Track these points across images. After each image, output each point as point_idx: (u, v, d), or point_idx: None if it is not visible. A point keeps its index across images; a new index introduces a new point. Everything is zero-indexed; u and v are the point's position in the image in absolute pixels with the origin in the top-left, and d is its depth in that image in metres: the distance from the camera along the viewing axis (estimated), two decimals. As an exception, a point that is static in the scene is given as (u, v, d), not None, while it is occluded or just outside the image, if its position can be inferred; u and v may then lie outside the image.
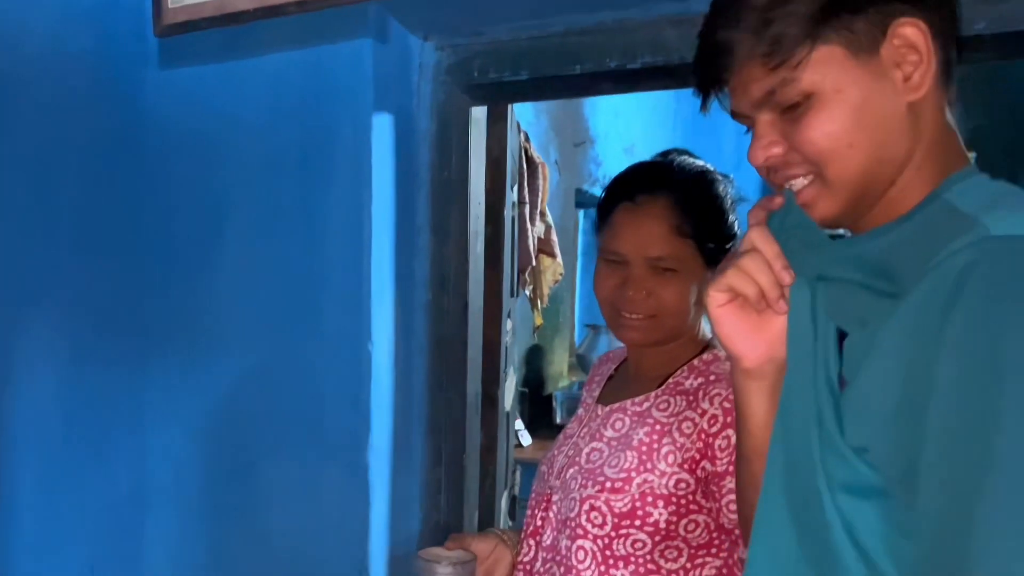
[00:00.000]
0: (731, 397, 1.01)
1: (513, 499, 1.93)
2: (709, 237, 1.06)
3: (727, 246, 1.07)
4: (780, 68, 0.70)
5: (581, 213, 3.84)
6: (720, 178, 1.13)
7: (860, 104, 0.71)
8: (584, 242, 3.83)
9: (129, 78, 1.40)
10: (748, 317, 0.77)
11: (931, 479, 0.64)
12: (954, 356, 0.63)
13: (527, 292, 2.27)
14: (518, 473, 2.18)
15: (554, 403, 3.07)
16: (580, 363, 2.92)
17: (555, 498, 1.07)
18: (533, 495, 1.15)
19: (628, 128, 4.13)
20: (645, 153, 4.29)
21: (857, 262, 0.74)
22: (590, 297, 3.95)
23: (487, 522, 1.52)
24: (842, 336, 0.75)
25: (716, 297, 0.76)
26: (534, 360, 3.16)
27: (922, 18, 0.70)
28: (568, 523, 1.03)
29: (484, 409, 1.50)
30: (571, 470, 1.06)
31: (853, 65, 0.70)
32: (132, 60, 1.40)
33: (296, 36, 1.28)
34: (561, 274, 2.32)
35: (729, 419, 0.99)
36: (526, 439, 2.76)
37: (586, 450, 1.06)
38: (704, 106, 0.78)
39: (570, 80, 1.33)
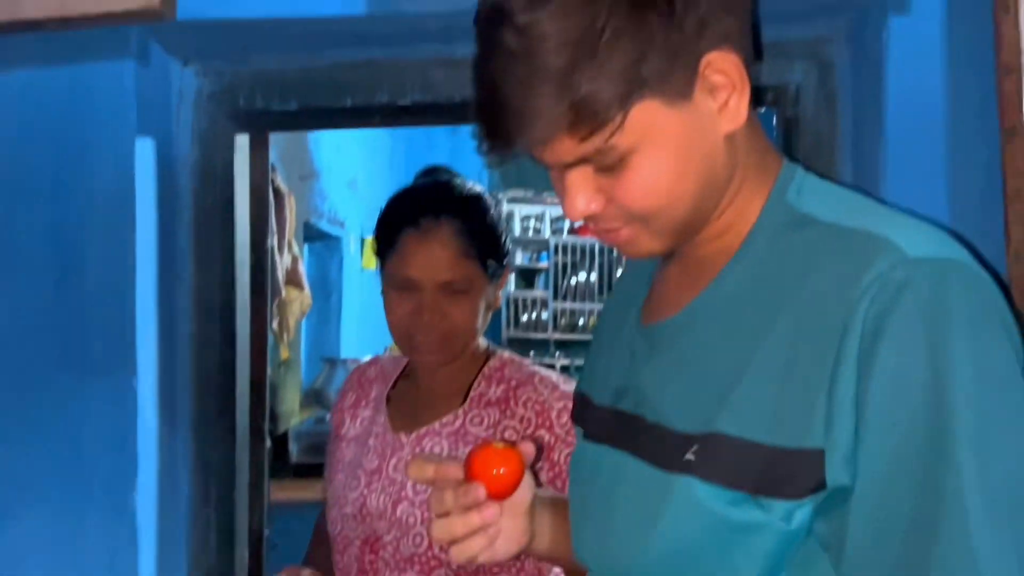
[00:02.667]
0: (539, 399, 1.10)
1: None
2: (491, 255, 1.14)
3: (504, 262, 1.16)
4: (592, 137, 0.64)
5: (307, 247, 3.82)
6: (491, 198, 1.21)
7: (681, 152, 0.67)
8: (312, 275, 3.80)
9: None
10: (489, 536, 0.79)
11: (872, 519, 0.61)
12: (889, 385, 0.60)
13: (273, 325, 2.23)
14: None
15: (289, 441, 3.01)
16: (317, 398, 2.89)
17: (387, 538, 1.07)
18: (341, 539, 1.13)
19: (350, 163, 4.18)
20: (367, 187, 4.46)
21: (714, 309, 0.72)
22: (319, 330, 3.92)
23: (256, 561, 1.48)
24: None
25: (465, 551, 0.78)
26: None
27: (730, 46, 0.67)
28: (416, 559, 1.04)
29: (252, 444, 1.47)
30: (401, 506, 1.08)
31: (670, 114, 0.66)
32: None
33: (51, 52, 1.20)
34: (310, 306, 2.31)
35: (540, 419, 1.07)
36: (265, 479, 2.68)
37: (410, 483, 1.08)
38: (491, 159, 0.70)
39: (340, 112, 1.37)
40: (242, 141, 1.42)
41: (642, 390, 0.76)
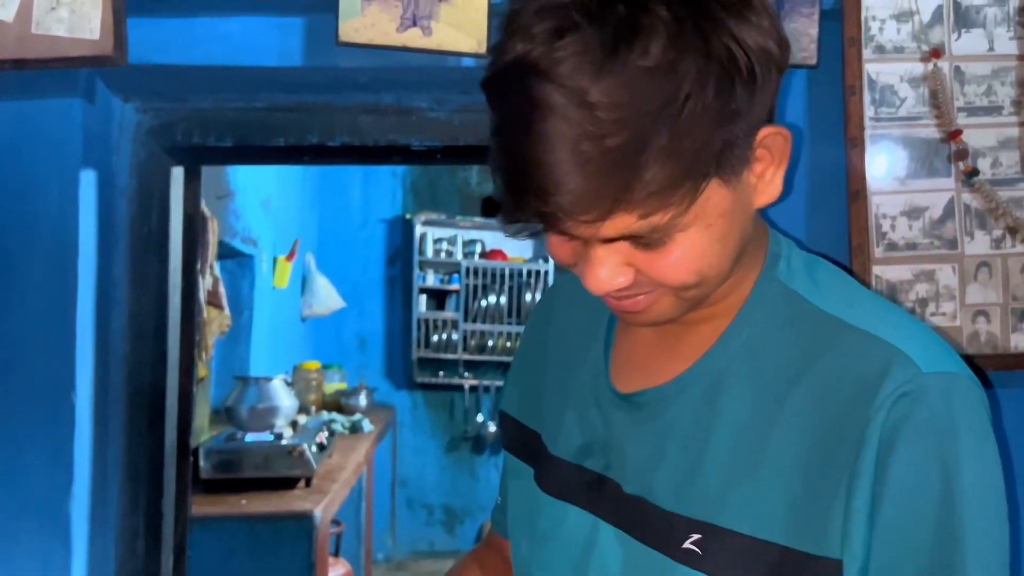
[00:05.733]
0: None
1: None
2: None
3: None
4: (651, 216, 0.59)
5: (219, 265, 3.85)
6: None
7: (726, 229, 0.64)
8: (228, 294, 3.83)
9: None
10: None
11: None
12: (904, 498, 0.62)
13: (192, 343, 2.29)
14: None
15: (199, 458, 3.03)
16: (228, 415, 2.94)
17: None
18: None
19: (264, 183, 4.23)
20: (280, 207, 4.53)
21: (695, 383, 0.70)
22: (228, 348, 3.95)
23: (179, 570, 1.56)
24: None
25: None
26: (177, 414, 3.10)
27: (771, 117, 0.64)
28: None
29: (179, 458, 1.55)
30: None
31: (724, 191, 0.62)
32: None
33: (3, 89, 1.28)
34: (228, 326, 2.38)
35: None
36: (174, 494, 2.71)
37: None
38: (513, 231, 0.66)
39: (273, 150, 1.48)
40: (177, 173, 1.51)
41: (621, 458, 0.73)
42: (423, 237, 5.24)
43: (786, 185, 0.68)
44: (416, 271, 5.24)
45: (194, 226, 1.59)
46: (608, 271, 0.63)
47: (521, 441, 0.87)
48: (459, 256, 5.30)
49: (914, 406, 0.62)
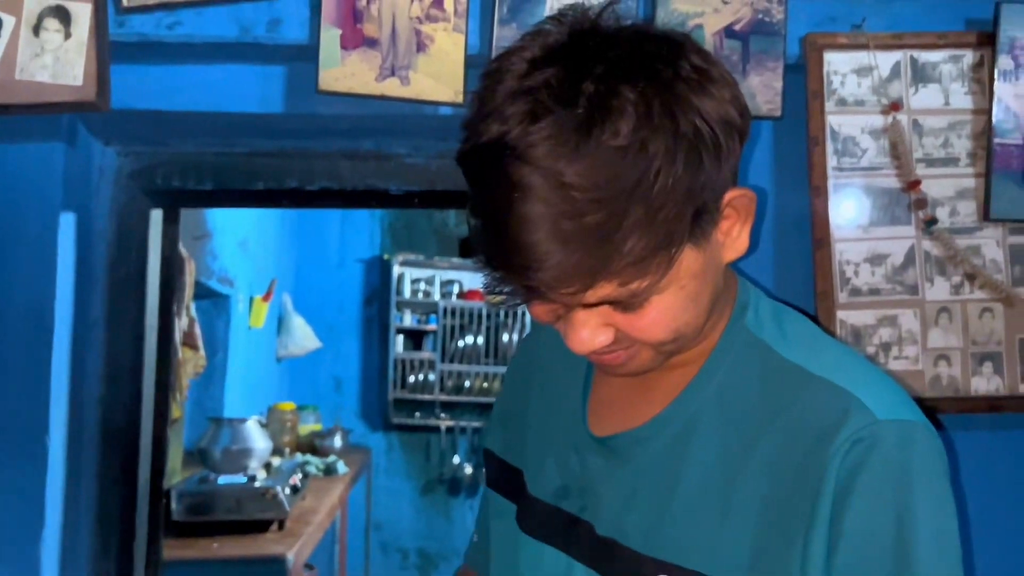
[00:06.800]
0: None
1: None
2: None
3: None
4: (631, 283, 0.62)
5: (195, 305, 3.84)
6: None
7: (699, 287, 0.67)
8: (204, 334, 3.81)
9: None
10: None
11: None
12: (858, 542, 0.63)
13: (167, 385, 2.28)
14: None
15: (172, 499, 3.00)
16: (202, 457, 2.92)
17: None
18: None
19: (241, 223, 4.24)
20: (257, 247, 4.52)
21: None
22: (202, 389, 3.92)
23: (149, 612, 1.55)
24: None
25: None
26: (149, 455, 3.07)
27: (735, 179, 0.67)
28: None
29: (151, 500, 1.54)
30: None
31: (696, 255, 0.65)
32: None
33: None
34: (203, 366, 2.38)
35: None
36: (145, 537, 2.68)
37: None
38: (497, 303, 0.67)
39: (253, 194, 1.50)
40: (156, 216, 1.53)
41: (596, 500, 0.76)
42: (401, 277, 5.26)
43: (752, 240, 0.71)
44: (393, 311, 5.25)
45: (171, 268, 1.60)
46: (589, 332, 0.66)
47: (504, 479, 0.89)
48: (436, 296, 5.32)
49: (869, 453, 0.64)
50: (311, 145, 1.47)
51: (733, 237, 0.69)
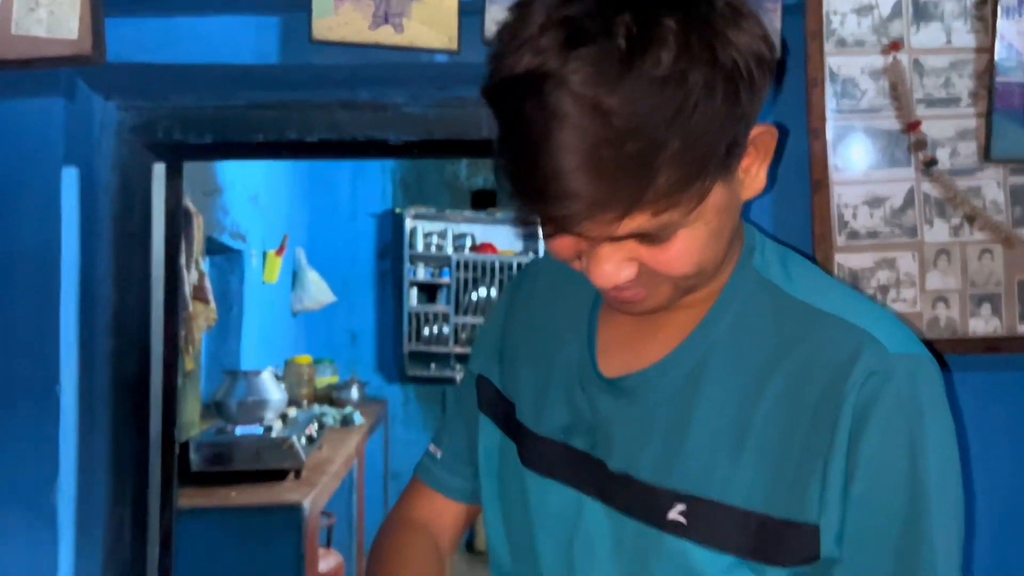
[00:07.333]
0: None
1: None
2: None
3: None
4: (662, 215, 0.62)
5: (208, 260, 3.87)
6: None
7: (722, 223, 0.68)
8: (214, 288, 3.85)
9: None
10: None
11: None
12: (876, 469, 0.67)
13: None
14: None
15: (190, 451, 3.07)
16: (218, 409, 2.97)
17: None
18: None
19: (252, 178, 4.25)
20: (270, 202, 4.54)
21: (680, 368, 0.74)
22: (219, 343, 3.98)
23: (165, 558, 1.59)
24: None
25: None
26: (168, 408, 3.13)
27: (767, 122, 0.69)
28: None
29: (163, 449, 1.58)
30: None
31: (722, 190, 0.66)
32: None
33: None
34: (215, 320, 2.41)
35: None
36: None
37: None
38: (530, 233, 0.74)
39: (252, 147, 1.51)
40: (159, 170, 1.54)
41: (607, 438, 0.77)
42: (413, 231, 5.27)
43: (769, 179, 0.72)
44: (407, 265, 5.27)
45: (176, 221, 1.62)
46: (614, 266, 0.67)
47: (500, 408, 0.89)
48: (449, 250, 5.33)
49: (883, 385, 0.67)
50: (309, 96, 1.47)
51: (752, 175, 0.70)
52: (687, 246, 0.66)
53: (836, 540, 0.69)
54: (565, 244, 0.69)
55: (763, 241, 0.79)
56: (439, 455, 0.99)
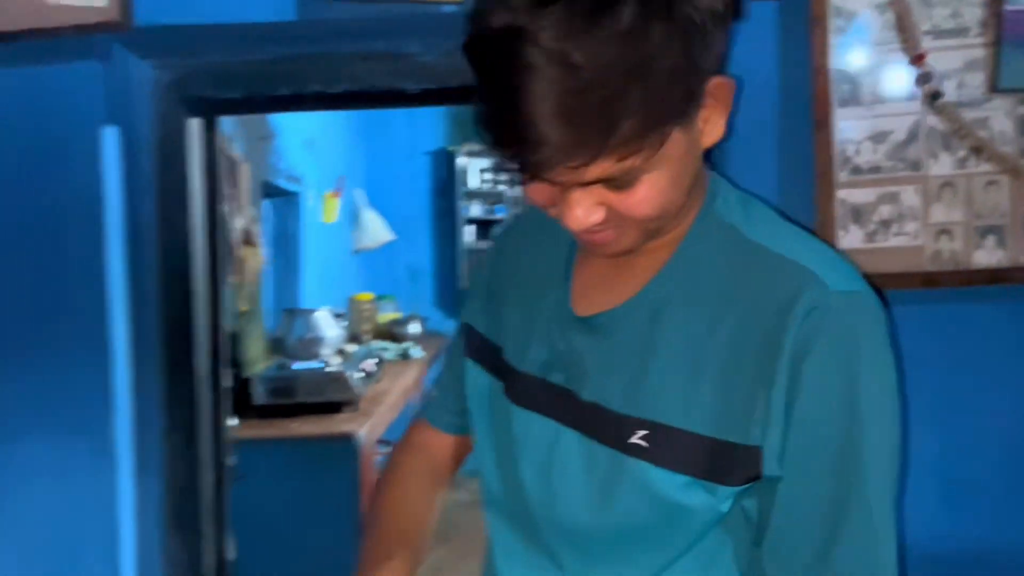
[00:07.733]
0: None
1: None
2: None
3: None
4: (625, 161, 0.68)
5: (265, 203, 4.01)
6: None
7: (683, 168, 0.74)
8: (272, 231, 3.99)
9: None
10: None
11: (790, 511, 0.74)
12: (814, 395, 0.72)
13: (231, 280, 2.45)
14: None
15: (252, 386, 3.25)
16: (277, 346, 3.13)
17: None
18: None
19: (307, 123, 4.35)
20: (324, 146, 4.68)
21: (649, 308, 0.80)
22: (280, 283, 4.14)
23: (219, 484, 1.73)
24: None
25: None
26: (231, 346, 3.30)
27: (718, 67, 0.72)
28: None
29: (213, 383, 1.71)
30: None
31: (681, 138, 0.71)
32: None
33: (26, 57, 1.41)
34: (262, 263, 2.53)
35: None
36: (232, 420, 2.93)
37: None
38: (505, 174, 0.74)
39: (277, 100, 1.58)
40: (193, 124, 1.63)
41: (580, 371, 0.83)
42: (466, 168, 5.32)
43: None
44: (461, 202, 5.34)
45: (215, 172, 1.71)
46: (584, 210, 0.73)
47: (487, 353, 0.97)
48: (503, 186, 5.37)
49: (823, 319, 0.72)
50: (329, 49, 1.53)
51: (712, 124, 0.75)
52: (650, 191, 0.72)
53: (778, 461, 0.74)
54: (541, 190, 0.75)
55: (727, 189, 0.84)
56: (435, 393, 1.11)
